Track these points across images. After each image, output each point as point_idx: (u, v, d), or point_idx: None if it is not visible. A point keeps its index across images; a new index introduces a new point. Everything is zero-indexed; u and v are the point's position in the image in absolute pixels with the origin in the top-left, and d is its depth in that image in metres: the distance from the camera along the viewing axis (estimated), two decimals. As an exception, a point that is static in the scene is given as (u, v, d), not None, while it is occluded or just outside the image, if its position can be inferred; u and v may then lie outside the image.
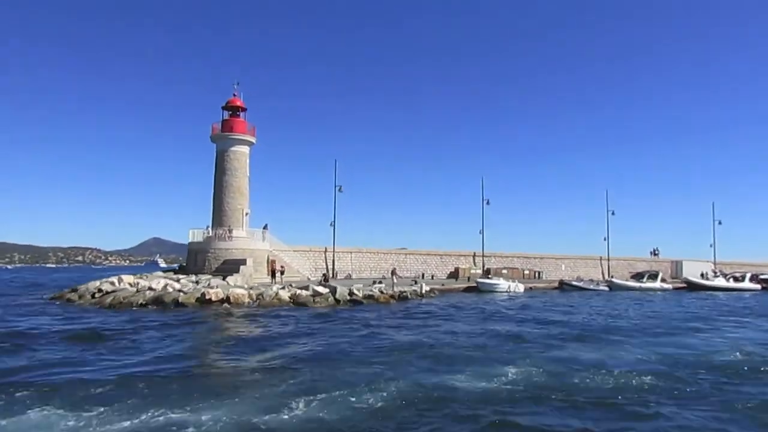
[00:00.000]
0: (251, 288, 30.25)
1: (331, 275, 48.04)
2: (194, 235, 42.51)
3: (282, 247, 45.79)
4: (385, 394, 9.64)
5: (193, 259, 41.47)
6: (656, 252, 67.36)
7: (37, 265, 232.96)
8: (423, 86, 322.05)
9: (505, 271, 55.45)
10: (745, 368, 13.22)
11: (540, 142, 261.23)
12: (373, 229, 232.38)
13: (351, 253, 51.38)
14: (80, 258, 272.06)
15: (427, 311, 26.82)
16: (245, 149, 42.85)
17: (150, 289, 29.15)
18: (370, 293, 31.66)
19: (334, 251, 49.43)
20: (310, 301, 28.96)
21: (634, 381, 11.33)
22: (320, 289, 30.48)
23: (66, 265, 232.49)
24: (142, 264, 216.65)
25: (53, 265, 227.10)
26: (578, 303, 35.27)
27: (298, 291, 30.05)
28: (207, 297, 26.88)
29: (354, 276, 48.56)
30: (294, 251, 47.44)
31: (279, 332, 18.08)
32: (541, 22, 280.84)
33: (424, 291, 36.75)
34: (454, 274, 54.20)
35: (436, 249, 57.93)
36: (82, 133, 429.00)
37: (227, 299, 27.28)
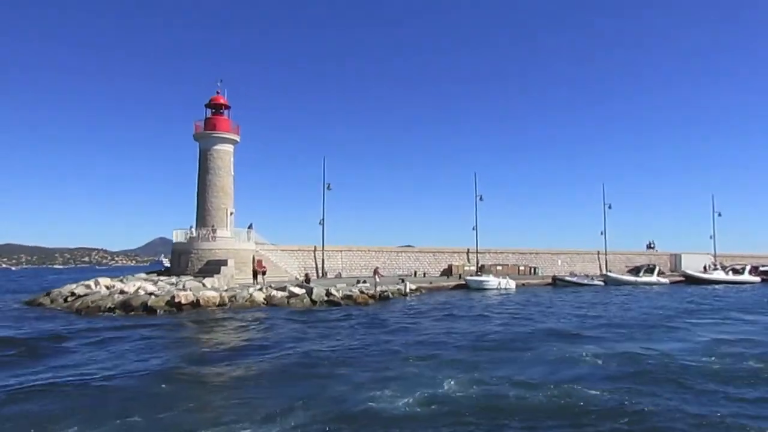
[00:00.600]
0: (226, 290, 29.54)
1: (320, 274, 47.47)
2: (178, 235, 41.97)
3: (269, 247, 45.13)
4: (286, 424, 8.77)
5: (176, 260, 40.87)
6: (652, 245, 66.22)
7: (44, 266, 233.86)
8: (414, 82, 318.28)
9: (499, 268, 54.57)
10: (709, 375, 12.20)
11: (534, 136, 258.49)
12: (368, 227, 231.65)
13: (341, 251, 50.68)
14: (87, 259, 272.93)
15: (400, 312, 25.96)
16: (229, 148, 42.13)
17: (122, 292, 28.52)
18: (349, 293, 30.86)
19: (323, 250, 48.74)
20: (285, 303, 28.25)
21: (577, 395, 10.33)
22: (296, 289, 29.72)
23: (72, 266, 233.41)
24: (148, 264, 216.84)
25: (60, 266, 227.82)
26: (565, 300, 34.34)
27: (273, 292, 29.31)
28: (176, 300, 26.13)
29: (344, 275, 47.88)
30: (282, 251, 46.77)
31: (225, 341, 17.10)
32: (536, 18, 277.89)
33: (408, 290, 35.95)
34: (448, 272, 53.43)
35: (430, 246, 57.21)
36: (88, 134, 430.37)
37: (197, 302, 26.56)
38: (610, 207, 60.30)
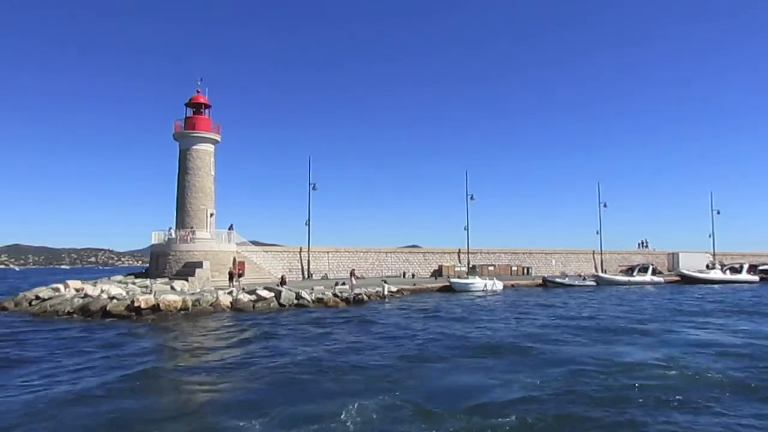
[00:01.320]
0: (193, 294, 28.66)
1: (306, 276, 46.68)
2: (157, 237, 41.24)
3: (252, 249, 44.41)
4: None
5: (155, 263, 40.18)
6: (645, 244, 64.89)
7: (51, 266, 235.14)
8: (406, 81, 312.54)
9: (491, 268, 53.56)
10: (655, 395, 10.87)
11: (528, 134, 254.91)
12: (359, 228, 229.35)
13: (328, 252, 49.87)
14: (93, 259, 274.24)
15: (367, 317, 24.87)
16: (209, 147, 41.34)
17: (86, 296, 27.76)
18: (321, 297, 29.95)
19: (309, 251, 47.95)
20: (250, 307, 27.36)
21: (488, 427, 9.20)
22: (264, 293, 28.80)
23: (79, 267, 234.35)
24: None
25: (66, 267, 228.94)
26: (549, 301, 33.23)
27: (240, 296, 28.41)
28: (136, 305, 25.27)
29: (331, 276, 47.06)
30: (265, 252, 46.04)
31: (146, 356, 15.69)
32: (529, 17, 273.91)
33: (387, 292, 34.94)
34: (438, 273, 52.42)
35: (420, 247, 56.22)
36: (93, 134, 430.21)
37: (158, 307, 25.69)
38: (605, 206, 59.48)
